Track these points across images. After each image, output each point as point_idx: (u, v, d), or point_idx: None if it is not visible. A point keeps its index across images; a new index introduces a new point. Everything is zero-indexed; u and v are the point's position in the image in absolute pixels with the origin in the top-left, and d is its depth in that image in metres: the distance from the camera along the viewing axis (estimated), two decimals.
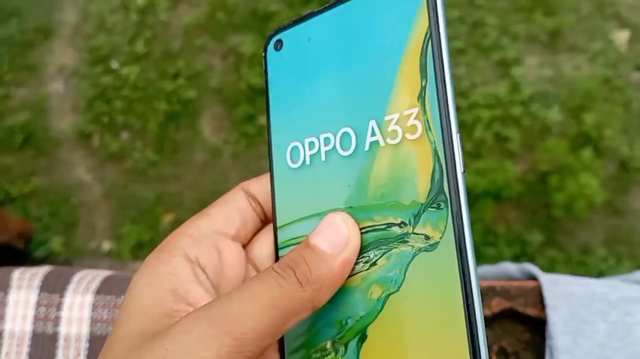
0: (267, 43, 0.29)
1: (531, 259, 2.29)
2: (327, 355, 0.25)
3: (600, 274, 2.25)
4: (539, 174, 2.35)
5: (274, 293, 0.22)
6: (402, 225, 0.24)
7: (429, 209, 0.23)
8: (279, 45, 0.28)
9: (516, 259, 2.31)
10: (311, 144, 0.26)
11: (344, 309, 0.25)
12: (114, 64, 2.68)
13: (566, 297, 0.36)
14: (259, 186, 0.29)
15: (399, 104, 0.24)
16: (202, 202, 2.52)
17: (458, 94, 2.45)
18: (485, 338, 0.22)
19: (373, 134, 0.25)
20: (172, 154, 2.62)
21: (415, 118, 0.24)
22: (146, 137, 2.64)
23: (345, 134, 0.25)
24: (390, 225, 0.24)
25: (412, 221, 0.24)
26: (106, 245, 2.54)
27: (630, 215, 2.37)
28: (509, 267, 0.46)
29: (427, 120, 0.23)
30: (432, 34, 0.23)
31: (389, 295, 0.24)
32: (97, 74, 2.68)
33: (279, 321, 0.21)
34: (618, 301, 0.36)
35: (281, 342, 0.27)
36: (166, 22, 2.71)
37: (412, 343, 0.23)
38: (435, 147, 0.23)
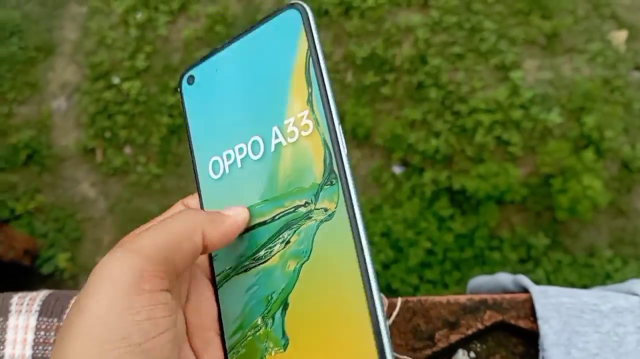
0: (181, 80, 0.35)
1: (537, 263, 2.28)
2: (259, 330, 0.29)
3: (607, 277, 2.24)
4: (541, 176, 2.34)
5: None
6: (306, 204, 0.29)
7: (325, 186, 0.29)
8: (191, 80, 0.34)
9: (522, 263, 2.30)
10: (228, 156, 0.31)
11: (269, 286, 0.29)
12: (115, 80, 2.69)
13: (557, 308, 0.36)
14: (195, 200, 0.33)
15: (294, 109, 0.29)
16: None
17: (458, 99, 2.45)
18: (378, 285, 0.27)
19: (276, 137, 0.30)
20: (176, 167, 2.63)
21: (307, 118, 0.29)
22: (149, 151, 2.65)
23: (255, 141, 0.30)
24: (297, 207, 0.29)
25: (314, 199, 0.29)
26: None
27: (635, 215, 2.36)
28: (504, 279, 0.46)
29: (316, 118, 0.29)
30: (310, 52, 0.29)
31: (302, 264, 0.28)
32: (98, 89, 2.70)
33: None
34: (609, 311, 0.36)
35: (221, 326, 0.31)
36: (166, 37, 2.73)
37: (324, 301, 0.27)
38: (324, 137, 0.29)
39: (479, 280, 0.54)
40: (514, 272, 2.23)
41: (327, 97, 0.29)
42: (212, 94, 0.32)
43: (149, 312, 0.25)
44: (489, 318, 0.38)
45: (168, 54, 2.70)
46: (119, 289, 0.25)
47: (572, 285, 2.24)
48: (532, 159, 2.39)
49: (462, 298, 0.39)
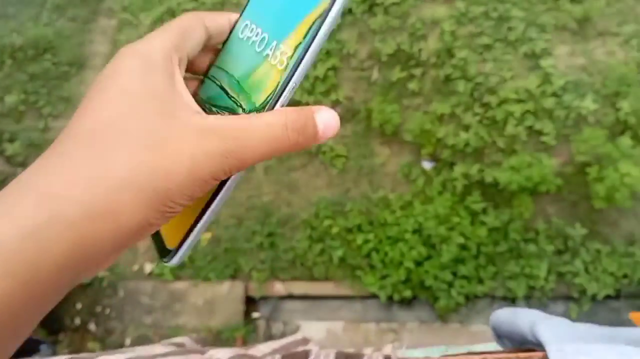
0: None
1: (574, 254, 2.21)
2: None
3: None
4: (577, 165, 2.27)
5: (276, 136, 0.28)
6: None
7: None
8: None
9: (559, 254, 2.23)
10: (252, 29, 0.34)
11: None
12: None
13: None
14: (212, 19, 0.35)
15: (287, 43, 0.32)
16: (238, 218, 2.55)
17: (487, 90, 2.40)
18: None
19: (270, 48, 0.33)
20: None
21: (287, 58, 0.32)
22: None
23: (263, 37, 0.33)
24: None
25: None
26: (148, 267, 2.59)
27: None
28: (523, 323, 0.43)
29: (288, 64, 0.32)
30: (324, 14, 0.31)
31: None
32: None
33: (267, 155, 0.28)
34: None
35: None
36: None
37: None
38: (281, 78, 0.32)
39: (500, 316, 0.51)
40: (551, 265, 2.17)
41: (303, 58, 0.31)
42: None
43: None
44: None
45: None
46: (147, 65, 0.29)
47: (613, 275, 2.16)
48: (566, 148, 2.31)
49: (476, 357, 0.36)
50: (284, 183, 2.56)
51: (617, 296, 2.19)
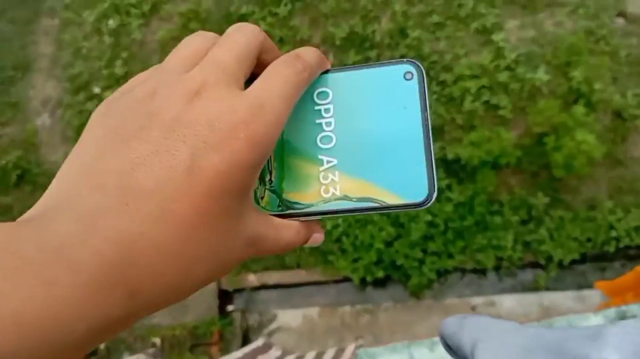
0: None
1: (539, 223, 2.27)
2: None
3: (610, 228, 2.23)
4: (534, 136, 2.32)
5: (285, 246, 0.27)
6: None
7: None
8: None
9: (524, 224, 2.29)
10: (327, 113, 0.30)
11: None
12: (96, 89, 2.66)
13: None
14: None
15: (345, 183, 0.30)
16: None
17: (442, 68, 2.42)
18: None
19: (329, 159, 0.29)
20: None
21: (333, 195, 0.29)
22: None
23: (330, 137, 0.30)
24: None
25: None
26: None
27: (632, 163, 2.34)
28: (465, 344, 0.41)
29: (330, 200, 0.29)
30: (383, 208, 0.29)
31: None
32: (81, 101, 2.67)
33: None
34: None
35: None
36: (141, 40, 2.69)
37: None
38: (316, 204, 0.29)
39: (448, 327, 0.48)
40: (517, 235, 2.22)
41: (341, 213, 0.30)
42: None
43: None
44: None
45: (145, 58, 2.67)
46: None
47: (577, 240, 2.23)
48: (523, 120, 2.36)
49: None
50: None
51: (583, 260, 2.26)
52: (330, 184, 0.29)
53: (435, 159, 0.29)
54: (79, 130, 2.66)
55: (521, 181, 2.35)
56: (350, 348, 0.69)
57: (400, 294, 2.34)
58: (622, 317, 0.68)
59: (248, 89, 0.25)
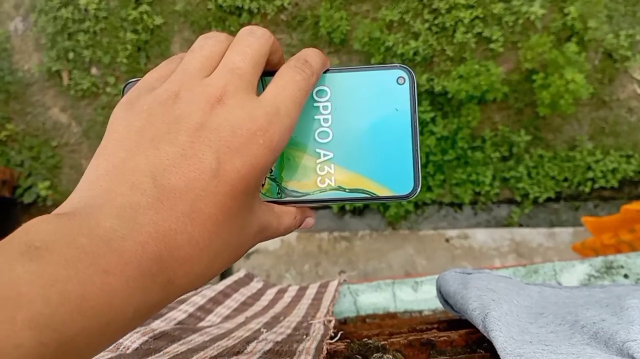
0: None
1: (519, 160, 2.29)
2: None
3: (587, 169, 2.26)
4: (523, 73, 2.29)
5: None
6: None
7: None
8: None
9: (504, 160, 2.31)
10: (325, 111, 0.32)
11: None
12: None
13: None
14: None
15: (342, 175, 0.32)
16: None
17: None
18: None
19: (326, 152, 0.32)
20: None
21: (329, 185, 0.32)
22: (117, 71, 2.53)
23: (327, 132, 0.32)
24: None
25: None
26: None
27: (617, 106, 2.34)
28: (472, 310, 0.40)
29: (326, 189, 0.32)
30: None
31: None
32: (55, 7, 2.53)
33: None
34: None
35: None
36: None
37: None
38: (312, 193, 0.32)
39: (450, 284, 0.47)
40: (496, 171, 2.24)
41: (334, 201, 0.32)
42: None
43: None
44: None
45: None
46: None
47: (554, 179, 2.27)
48: (514, 55, 2.32)
49: None
50: None
51: (558, 198, 2.31)
52: (326, 175, 0.31)
53: (420, 156, 0.32)
54: (53, 37, 2.54)
55: (505, 118, 2.35)
56: (333, 284, 0.70)
57: (377, 224, 2.38)
58: (609, 267, 0.70)
59: (263, 95, 0.27)
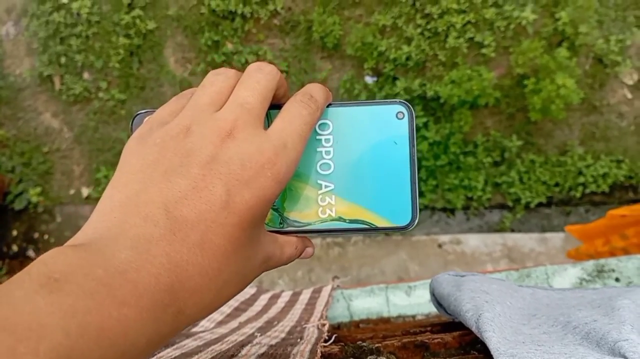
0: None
1: (510, 165, 2.30)
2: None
3: (579, 174, 2.28)
4: (515, 77, 2.30)
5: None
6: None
7: None
8: None
9: (496, 165, 2.32)
10: (326, 141, 0.33)
11: None
12: None
13: None
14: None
15: (342, 207, 0.33)
16: None
17: (429, 0, 2.35)
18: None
19: (327, 184, 0.32)
20: (139, 90, 2.52)
21: (330, 216, 0.32)
22: (109, 76, 2.53)
23: (329, 164, 0.33)
24: None
25: None
26: (85, 191, 2.50)
27: (607, 110, 2.36)
28: (465, 312, 0.40)
29: (326, 221, 0.32)
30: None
31: None
32: (47, 11, 2.52)
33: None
34: None
35: None
36: None
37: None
38: (313, 223, 0.33)
39: (444, 286, 0.47)
40: (488, 176, 2.25)
41: (334, 232, 0.33)
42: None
43: None
44: None
45: None
46: None
47: (545, 184, 2.28)
48: (505, 60, 2.33)
49: None
50: None
51: (549, 203, 2.33)
52: (327, 206, 0.32)
53: (419, 189, 0.33)
54: (45, 42, 2.53)
55: (497, 123, 2.36)
56: (327, 289, 0.70)
57: None
58: (600, 270, 0.70)
59: (271, 129, 0.28)
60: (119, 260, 0.22)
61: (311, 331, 0.46)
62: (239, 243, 0.25)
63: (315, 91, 0.31)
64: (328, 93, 0.32)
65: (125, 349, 0.21)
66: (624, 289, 0.46)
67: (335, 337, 0.42)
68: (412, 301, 0.74)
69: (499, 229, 2.33)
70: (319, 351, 0.37)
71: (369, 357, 0.38)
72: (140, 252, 0.22)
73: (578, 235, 1.46)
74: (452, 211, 2.36)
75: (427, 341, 0.39)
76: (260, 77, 0.29)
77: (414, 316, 0.71)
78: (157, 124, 0.28)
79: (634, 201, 2.27)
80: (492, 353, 0.32)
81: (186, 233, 0.24)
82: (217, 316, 0.63)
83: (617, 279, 0.70)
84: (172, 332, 0.24)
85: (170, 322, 0.23)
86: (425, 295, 0.72)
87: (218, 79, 0.29)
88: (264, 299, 0.73)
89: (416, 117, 2.31)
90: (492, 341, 0.33)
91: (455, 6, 2.31)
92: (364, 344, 0.39)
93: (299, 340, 0.42)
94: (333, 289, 0.73)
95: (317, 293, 0.73)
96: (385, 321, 0.69)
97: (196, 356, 0.39)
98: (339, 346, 0.40)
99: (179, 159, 0.25)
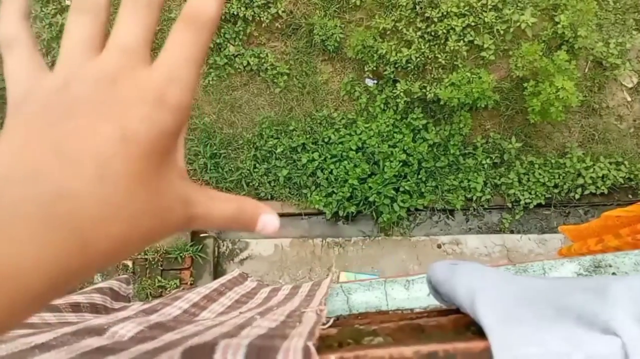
0: None
1: (509, 167, 2.31)
2: None
3: (578, 175, 2.29)
4: (514, 80, 2.31)
5: (224, 219, 0.29)
6: None
7: None
8: None
9: (495, 167, 2.33)
10: None
11: None
12: (67, 1, 2.53)
13: None
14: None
15: None
16: None
17: (429, 4, 2.36)
18: None
19: None
20: None
21: None
22: None
23: None
24: None
25: None
26: None
27: (606, 113, 2.37)
28: (461, 292, 0.40)
29: None
30: None
31: None
32: (50, 13, 2.54)
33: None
34: None
35: None
36: None
37: None
38: None
39: (439, 273, 0.47)
40: (487, 177, 2.26)
41: None
42: None
43: None
44: None
45: None
46: None
47: (544, 185, 2.29)
48: (505, 63, 2.35)
49: (408, 351, 0.32)
50: (225, 102, 2.48)
51: (548, 204, 2.34)
52: None
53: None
54: (48, 44, 2.55)
55: (496, 125, 2.37)
56: (326, 282, 0.71)
57: (370, 230, 2.39)
58: (597, 266, 0.71)
59: (156, 62, 0.27)
60: (9, 197, 0.21)
61: (310, 316, 0.47)
62: (143, 175, 0.25)
63: (195, 6, 0.28)
64: (215, 3, 0.28)
65: (19, 286, 0.20)
66: (619, 276, 0.46)
67: (334, 322, 0.43)
68: (411, 295, 0.75)
69: (498, 230, 2.34)
70: (317, 332, 0.38)
71: (365, 338, 0.39)
72: (33, 186, 0.22)
73: (571, 235, 1.47)
74: (452, 212, 2.37)
75: (422, 323, 0.40)
76: (139, 8, 0.27)
77: (412, 310, 0.72)
78: (35, 88, 0.27)
79: (632, 203, 2.28)
80: (486, 332, 0.32)
81: (82, 166, 0.23)
82: (218, 307, 0.64)
83: (613, 274, 0.71)
84: (84, 268, 0.23)
85: (78, 255, 0.22)
86: (424, 289, 0.73)
87: (86, 20, 0.27)
88: (264, 292, 0.74)
89: (416, 119, 2.34)
90: (486, 321, 0.34)
91: (455, 10, 2.32)
92: (362, 327, 0.40)
93: (297, 323, 0.43)
94: (332, 281, 0.74)
95: (316, 285, 0.74)
96: (384, 313, 0.70)
97: (197, 337, 0.40)
98: (337, 329, 0.41)
99: (64, 110, 0.25)
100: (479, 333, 0.37)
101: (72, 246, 0.22)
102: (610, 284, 0.39)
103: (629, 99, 2.37)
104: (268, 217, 0.30)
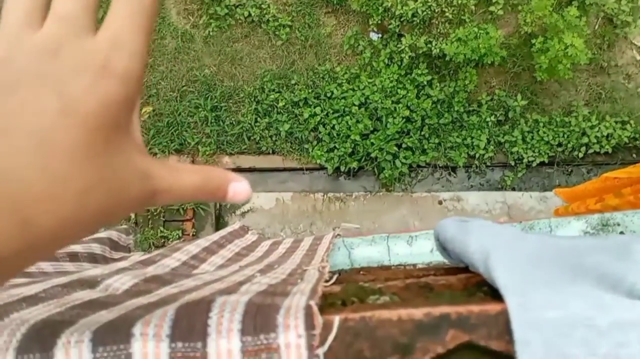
0: None
1: (514, 125, 2.28)
2: None
3: (582, 134, 2.26)
4: (522, 36, 2.26)
5: (192, 190, 0.28)
6: None
7: None
8: None
9: (499, 124, 2.30)
10: None
11: None
12: None
13: (539, 326, 0.29)
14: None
15: None
16: (179, 91, 2.44)
17: None
18: None
19: None
20: None
21: None
22: None
23: None
24: None
25: None
26: None
27: (614, 72, 2.33)
28: (474, 253, 0.38)
29: None
30: None
31: None
32: None
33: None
34: (608, 327, 0.28)
35: None
36: None
37: None
38: None
39: (448, 230, 0.45)
40: (491, 135, 2.24)
41: None
42: None
43: None
44: (452, 338, 0.30)
45: None
46: None
47: (548, 144, 2.27)
48: (513, 19, 2.28)
49: (418, 313, 0.31)
50: (226, 54, 2.43)
51: (551, 163, 2.32)
52: None
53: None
54: None
55: (502, 82, 2.33)
56: (328, 236, 0.71)
57: (372, 185, 2.39)
58: (605, 224, 0.70)
59: (100, 31, 0.25)
60: None
61: (312, 273, 0.46)
62: (90, 148, 0.24)
63: None
64: None
65: None
66: (636, 235, 0.45)
67: (337, 278, 0.42)
68: (414, 251, 0.74)
69: (500, 187, 2.33)
70: (319, 289, 0.37)
71: (370, 296, 0.37)
72: None
73: (566, 197, 1.46)
74: (454, 169, 2.35)
75: (431, 282, 0.39)
76: None
77: (414, 266, 0.71)
78: None
79: (635, 162, 2.27)
80: (501, 291, 0.31)
81: (19, 140, 0.22)
82: (218, 259, 0.64)
83: (621, 233, 0.70)
84: (27, 248, 0.22)
85: (18, 234, 0.21)
86: (427, 245, 0.72)
87: None
88: (265, 245, 0.73)
89: (420, 75, 2.29)
90: (502, 281, 0.32)
91: None
92: (366, 285, 0.39)
93: (299, 281, 0.42)
94: (334, 236, 0.74)
95: (318, 240, 0.73)
96: (386, 268, 0.69)
97: (195, 293, 0.39)
98: (341, 286, 0.40)
99: (8, 87, 0.24)
100: (492, 293, 0.36)
101: (9, 224, 0.21)
102: (632, 245, 0.37)
103: (638, 57, 2.32)
104: (238, 185, 0.30)
